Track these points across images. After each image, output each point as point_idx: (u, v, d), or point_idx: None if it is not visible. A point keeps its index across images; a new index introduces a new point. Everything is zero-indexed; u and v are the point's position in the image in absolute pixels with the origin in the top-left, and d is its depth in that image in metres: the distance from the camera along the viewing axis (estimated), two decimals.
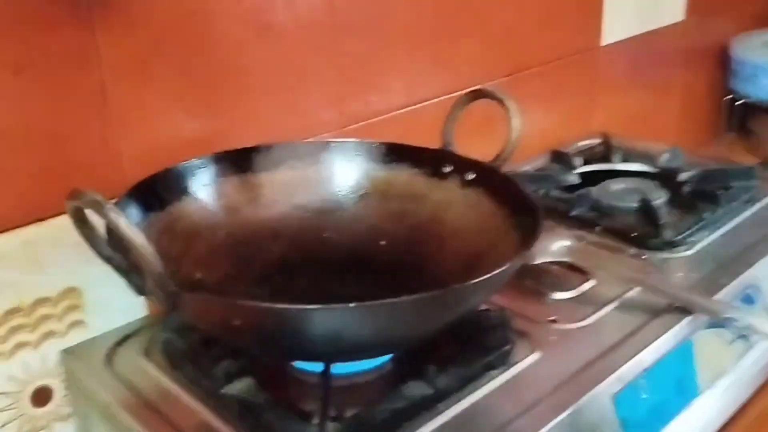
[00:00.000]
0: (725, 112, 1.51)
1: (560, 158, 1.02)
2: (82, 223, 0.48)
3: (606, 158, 1.03)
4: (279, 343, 0.51)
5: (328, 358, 0.54)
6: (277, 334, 0.48)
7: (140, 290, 0.49)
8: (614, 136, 1.08)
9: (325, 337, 0.48)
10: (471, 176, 0.69)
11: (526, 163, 1.02)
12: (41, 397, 0.68)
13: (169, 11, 0.69)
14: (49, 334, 0.67)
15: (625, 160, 1.02)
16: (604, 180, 0.95)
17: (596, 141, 1.10)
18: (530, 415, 0.56)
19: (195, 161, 0.68)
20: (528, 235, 0.57)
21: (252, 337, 0.50)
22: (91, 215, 0.49)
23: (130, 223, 0.44)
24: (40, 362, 0.67)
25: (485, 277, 0.49)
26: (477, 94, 0.71)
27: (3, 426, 0.66)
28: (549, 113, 1.12)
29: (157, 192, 0.64)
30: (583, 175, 0.98)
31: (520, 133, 0.67)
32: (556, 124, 1.13)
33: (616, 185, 0.93)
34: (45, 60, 0.62)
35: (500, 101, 0.68)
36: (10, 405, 0.66)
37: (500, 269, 0.51)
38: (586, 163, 1.01)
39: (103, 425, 0.63)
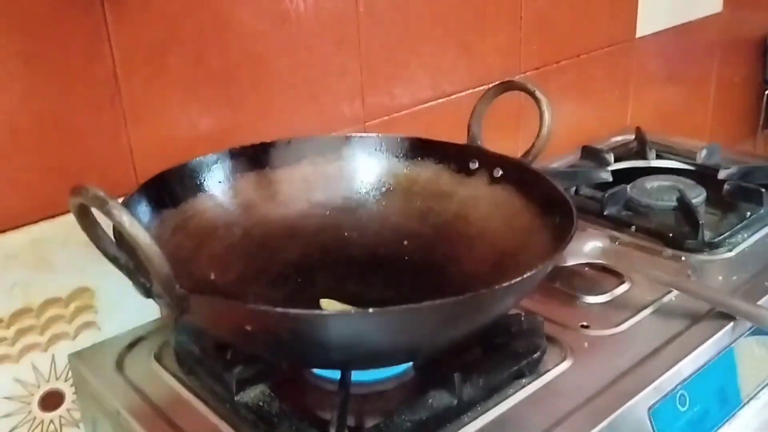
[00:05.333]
0: (763, 108, 1.45)
1: (592, 154, 0.98)
2: (86, 220, 0.45)
3: (640, 155, 0.99)
4: (293, 350, 0.48)
5: (346, 366, 0.51)
6: (291, 341, 0.45)
7: (147, 292, 0.46)
8: (648, 131, 1.03)
9: (342, 344, 0.45)
10: (499, 172, 0.66)
11: (556, 160, 0.98)
12: (51, 401, 0.65)
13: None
14: (59, 336, 0.64)
15: (660, 156, 0.98)
16: (638, 178, 0.91)
17: (630, 137, 1.06)
18: (561, 428, 0.53)
19: (210, 156, 0.65)
20: (560, 236, 0.53)
21: (265, 343, 0.47)
22: (98, 213, 0.46)
23: (134, 220, 0.41)
24: (50, 365, 0.64)
25: (514, 281, 0.46)
26: (506, 86, 0.68)
27: (11, 431, 0.63)
28: (580, 108, 1.08)
29: (171, 188, 0.62)
30: (616, 172, 0.93)
31: (552, 127, 0.64)
32: (588, 120, 1.09)
33: (652, 183, 0.89)
34: (56, 49, 0.60)
35: (531, 93, 0.64)
36: (18, 409, 0.63)
37: (530, 272, 0.47)
38: (619, 159, 0.97)
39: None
